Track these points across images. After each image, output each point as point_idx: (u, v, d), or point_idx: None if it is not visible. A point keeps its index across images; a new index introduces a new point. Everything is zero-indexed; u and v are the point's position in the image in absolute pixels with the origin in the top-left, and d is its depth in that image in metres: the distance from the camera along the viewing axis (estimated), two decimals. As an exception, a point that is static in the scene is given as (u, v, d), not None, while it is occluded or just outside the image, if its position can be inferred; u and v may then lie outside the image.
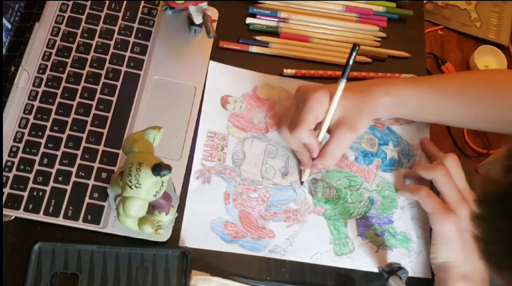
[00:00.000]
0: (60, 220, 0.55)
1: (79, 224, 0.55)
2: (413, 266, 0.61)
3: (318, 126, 0.59)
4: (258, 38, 0.69)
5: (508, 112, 0.61)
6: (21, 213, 0.55)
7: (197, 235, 0.58)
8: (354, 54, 0.54)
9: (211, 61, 0.66)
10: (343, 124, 0.57)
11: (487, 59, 1.60)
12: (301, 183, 0.62)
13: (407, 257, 0.61)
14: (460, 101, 0.61)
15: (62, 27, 0.64)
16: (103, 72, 0.62)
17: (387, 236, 0.62)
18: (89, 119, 0.60)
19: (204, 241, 0.58)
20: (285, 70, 0.67)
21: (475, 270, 0.57)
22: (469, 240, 0.57)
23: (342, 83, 0.55)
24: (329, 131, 0.58)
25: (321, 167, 0.61)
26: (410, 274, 0.60)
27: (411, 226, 0.63)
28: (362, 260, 0.60)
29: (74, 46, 0.63)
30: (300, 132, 0.56)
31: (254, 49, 0.68)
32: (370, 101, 0.59)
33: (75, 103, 0.60)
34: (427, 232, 0.63)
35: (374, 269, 0.60)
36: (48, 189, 0.56)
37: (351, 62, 0.55)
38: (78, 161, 0.58)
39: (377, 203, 0.63)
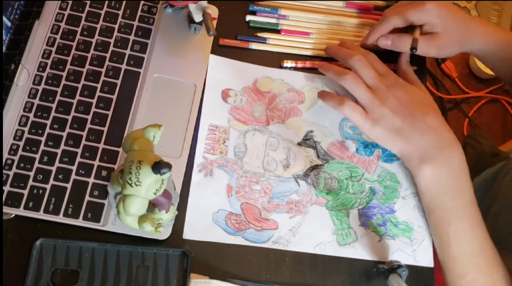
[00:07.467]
0: (60, 218, 0.55)
1: (79, 222, 0.55)
2: (415, 255, 0.61)
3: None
4: (258, 34, 0.68)
5: None
6: (21, 211, 0.55)
7: (200, 228, 0.58)
8: None
9: (211, 55, 0.66)
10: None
11: (487, 57, 1.59)
12: (415, 50, 0.63)
13: (410, 246, 0.62)
14: None
15: (62, 25, 0.64)
16: (103, 70, 0.62)
17: (389, 225, 0.62)
18: (89, 117, 0.60)
19: (207, 233, 0.58)
20: (285, 61, 0.67)
21: (428, 147, 0.59)
22: (398, 127, 0.59)
23: None
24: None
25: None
26: (413, 263, 0.60)
27: (413, 215, 0.63)
28: (365, 250, 0.60)
29: (74, 44, 0.63)
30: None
31: (254, 45, 0.68)
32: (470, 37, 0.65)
33: (75, 101, 0.60)
34: (429, 221, 0.63)
35: (377, 258, 0.60)
36: (48, 187, 0.56)
37: None
38: (78, 159, 0.58)
39: (378, 193, 0.64)
